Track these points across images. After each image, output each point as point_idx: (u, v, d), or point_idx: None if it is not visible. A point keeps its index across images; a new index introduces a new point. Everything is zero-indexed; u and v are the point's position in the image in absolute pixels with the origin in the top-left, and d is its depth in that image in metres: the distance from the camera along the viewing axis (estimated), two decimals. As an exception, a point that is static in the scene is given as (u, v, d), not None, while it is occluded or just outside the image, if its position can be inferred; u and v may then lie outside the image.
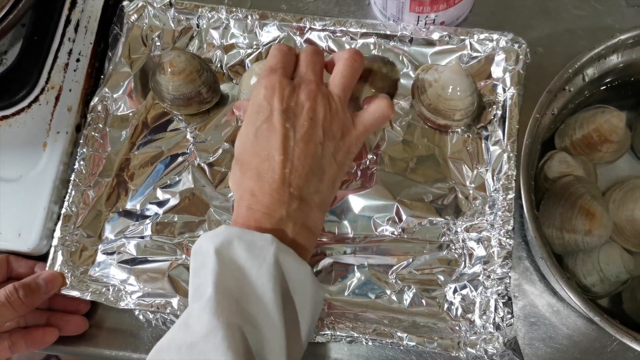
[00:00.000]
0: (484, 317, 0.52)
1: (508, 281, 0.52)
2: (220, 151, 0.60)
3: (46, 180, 0.60)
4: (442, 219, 0.56)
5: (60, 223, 0.58)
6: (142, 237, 0.58)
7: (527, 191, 0.50)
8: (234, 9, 0.64)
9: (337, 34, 0.63)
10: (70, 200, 0.59)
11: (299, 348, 0.46)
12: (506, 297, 0.52)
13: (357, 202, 0.57)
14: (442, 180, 0.58)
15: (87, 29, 0.65)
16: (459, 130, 0.59)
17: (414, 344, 0.52)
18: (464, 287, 0.54)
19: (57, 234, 0.58)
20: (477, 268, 0.54)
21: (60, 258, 0.57)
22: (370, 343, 0.53)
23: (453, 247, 0.56)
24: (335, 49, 0.63)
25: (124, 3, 0.66)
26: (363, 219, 0.57)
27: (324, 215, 0.51)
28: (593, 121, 0.56)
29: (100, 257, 0.58)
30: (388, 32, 0.61)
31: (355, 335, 0.52)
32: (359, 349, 0.56)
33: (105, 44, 0.66)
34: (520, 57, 0.58)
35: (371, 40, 0.62)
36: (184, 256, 0.57)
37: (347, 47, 0.62)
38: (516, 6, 0.65)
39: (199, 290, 0.44)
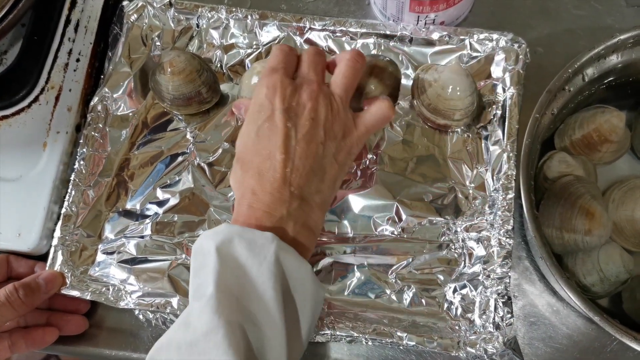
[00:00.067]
0: (484, 316, 0.52)
1: (508, 281, 0.52)
2: (220, 151, 0.60)
3: (46, 180, 0.60)
4: (442, 219, 0.56)
5: (60, 223, 0.58)
6: (142, 237, 0.58)
7: (526, 191, 0.50)
8: (233, 9, 0.64)
9: (337, 34, 0.63)
10: (70, 200, 0.59)
11: (300, 347, 0.46)
12: (506, 297, 0.52)
13: (357, 202, 0.57)
14: (441, 180, 0.58)
15: (87, 29, 0.65)
16: (459, 130, 0.59)
17: (413, 343, 0.52)
18: (464, 286, 0.54)
19: (57, 233, 0.58)
20: (477, 268, 0.54)
21: (60, 258, 0.57)
22: (370, 343, 0.53)
23: (453, 247, 0.56)
24: (335, 49, 0.63)
25: (124, 3, 0.66)
26: (363, 219, 0.57)
27: (324, 215, 0.51)
28: (593, 121, 0.56)
29: (100, 256, 0.58)
30: (388, 32, 0.62)
31: (355, 334, 0.52)
32: (359, 348, 0.56)
33: (105, 43, 0.66)
34: (520, 57, 0.58)
35: (371, 40, 0.62)
36: (183, 256, 0.57)
37: (347, 47, 0.63)
38: (516, 6, 0.65)
39: (199, 290, 0.44)
